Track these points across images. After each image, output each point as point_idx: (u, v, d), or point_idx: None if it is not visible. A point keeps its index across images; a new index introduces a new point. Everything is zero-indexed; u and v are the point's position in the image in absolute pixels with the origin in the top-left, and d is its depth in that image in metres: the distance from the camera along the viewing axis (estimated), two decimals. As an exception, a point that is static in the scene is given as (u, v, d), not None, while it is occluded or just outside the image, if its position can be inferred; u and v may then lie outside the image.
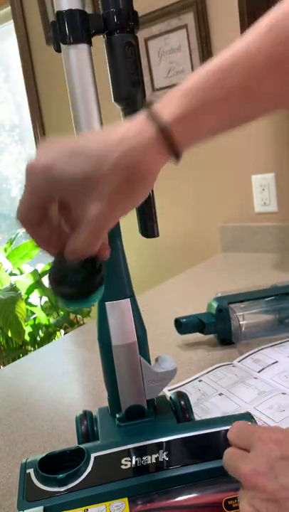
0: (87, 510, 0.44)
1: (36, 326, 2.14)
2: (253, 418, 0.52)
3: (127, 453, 0.48)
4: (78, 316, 2.08)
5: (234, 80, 0.34)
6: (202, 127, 0.35)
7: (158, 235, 0.51)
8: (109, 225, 0.35)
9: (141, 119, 0.34)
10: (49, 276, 0.39)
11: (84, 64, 0.46)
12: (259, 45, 0.34)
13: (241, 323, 0.84)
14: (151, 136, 0.33)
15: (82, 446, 0.50)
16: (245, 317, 0.85)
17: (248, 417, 0.52)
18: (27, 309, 2.03)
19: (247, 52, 0.34)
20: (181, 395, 0.57)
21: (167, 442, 0.49)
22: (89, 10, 1.73)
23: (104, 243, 0.40)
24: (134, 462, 0.47)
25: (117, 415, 0.54)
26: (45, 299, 2.15)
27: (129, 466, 0.47)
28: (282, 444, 0.33)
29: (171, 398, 0.58)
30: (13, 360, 1.71)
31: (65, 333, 2.00)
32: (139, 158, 0.33)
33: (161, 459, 0.47)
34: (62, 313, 2.07)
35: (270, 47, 0.33)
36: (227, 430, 0.50)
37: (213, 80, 0.34)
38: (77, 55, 0.46)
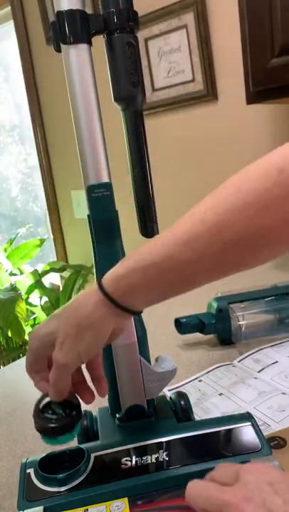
0: (87, 510, 0.44)
1: (36, 326, 2.14)
2: (253, 418, 0.52)
3: (127, 453, 0.49)
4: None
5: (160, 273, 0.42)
6: (135, 284, 0.42)
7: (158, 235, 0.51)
8: (69, 368, 0.43)
9: (92, 289, 0.44)
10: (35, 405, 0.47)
11: (84, 64, 0.46)
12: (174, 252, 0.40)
13: (241, 323, 0.84)
14: (95, 297, 0.43)
15: (82, 446, 0.50)
16: (245, 317, 0.85)
17: (247, 417, 0.52)
18: (27, 309, 2.03)
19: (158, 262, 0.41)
20: (181, 395, 0.57)
21: (167, 442, 0.49)
22: (89, 10, 1.73)
23: (87, 388, 0.48)
24: (134, 462, 0.47)
25: (117, 415, 0.54)
26: (45, 299, 2.15)
27: (129, 466, 0.47)
28: (268, 474, 0.34)
29: (171, 398, 0.58)
30: (13, 360, 1.71)
31: (65, 333, 2.00)
32: (84, 312, 0.42)
33: (161, 459, 0.47)
34: (62, 313, 2.07)
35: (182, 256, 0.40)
36: (227, 430, 0.50)
37: (147, 254, 0.42)
38: (77, 55, 0.46)
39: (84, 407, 0.47)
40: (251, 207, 0.38)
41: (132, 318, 0.51)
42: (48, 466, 0.48)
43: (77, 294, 0.46)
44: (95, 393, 0.48)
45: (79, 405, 0.46)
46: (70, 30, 0.46)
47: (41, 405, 0.46)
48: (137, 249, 0.43)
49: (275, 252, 0.41)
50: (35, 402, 0.47)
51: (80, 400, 0.48)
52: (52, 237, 2.21)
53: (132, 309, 0.43)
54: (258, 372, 0.74)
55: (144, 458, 0.48)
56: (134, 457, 0.48)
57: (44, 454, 0.50)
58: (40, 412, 0.46)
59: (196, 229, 0.40)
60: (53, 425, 0.44)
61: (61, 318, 0.44)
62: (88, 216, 0.49)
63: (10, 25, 2.10)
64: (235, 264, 0.42)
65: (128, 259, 0.43)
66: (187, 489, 0.36)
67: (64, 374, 0.43)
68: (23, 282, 2.16)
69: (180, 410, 0.55)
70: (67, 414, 0.45)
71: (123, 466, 0.47)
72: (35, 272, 2.13)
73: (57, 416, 0.45)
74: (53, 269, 2.09)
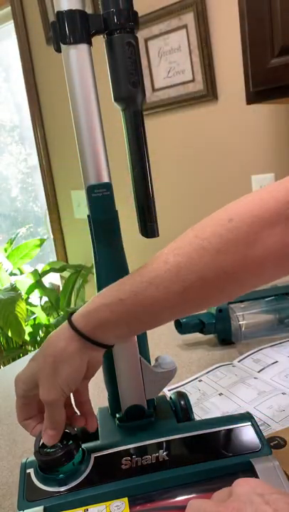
0: (87, 510, 0.44)
1: (36, 326, 2.14)
2: (253, 418, 0.52)
3: (127, 453, 0.48)
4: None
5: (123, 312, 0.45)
6: (102, 318, 0.45)
7: (158, 235, 0.51)
8: (57, 404, 0.46)
9: (63, 325, 0.47)
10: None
11: (84, 64, 0.46)
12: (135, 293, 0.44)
13: (241, 323, 0.84)
14: (67, 332, 0.46)
15: (82, 446, 0.50)
16: (245, 317, 0.85)
17: (247, 417, 0.52)
18: (27, 309, 2.03)
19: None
20: (181, 395, 0.57)
21: (167, 442, 0.49)
22: (89, 10, 1.72)
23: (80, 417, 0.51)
24: (134, 462, 0.47)
25: (117, 415, 0.54)
26: (45, 299, 2.15)
27: (129, 466, 0.47)
28: (259, 487, 0.35)
29: (171, 398, 0.58)
30: (13, 360, 1.71)
31: (65, 333, 2.00)
32: (58, 348, 0.45)
33: (161, 459, 0.47)
34: (62, 313, 2.07)
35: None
36: (227, 430, 0.50)
37: (114, 291, 0.45)
38: (77, 55, 0.46)
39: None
40: (207, 250, 0.43)
41: None
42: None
43: (49, 335, 0.49)
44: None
45: (76, 434, 0.48)
46: (70, 30, 0.45)
47: (40, 442, 0.48)
48: (108, 287, 0.46)
49: (239, 289, 0.46)
50: (34, 441, 0.49)
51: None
52: (52, 237, 2.21)
53: (102, 343, 0.46)
54: (258, 372, 0.74)
55: (144, 458, 0.48)
56: (134, 457, 0.48)
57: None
58: (40, 449, 0.48)
59: (159, 268, 0.44)
60: (51, 458, 0.46)
61: (39, 359, 0.47)
62: (88, 216, 0.49)
63: (10, 25, 2.10)
64: (199, 302, 0.46)
65: (98, 296, 0.46)
66: (186, 508, 0.37)
67: (55, 410, 0.46)
68: (23, 282, 2.16)
69: (180, 410, 0.55)
70: (65, 445, 0.47)
71: (123, 466, 0.47)
72: (35, 272, 2.13)
73: (55, 449, 0.47)
74: (53, 269, 2.09)
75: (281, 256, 0.43)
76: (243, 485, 0.35)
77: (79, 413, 0.51)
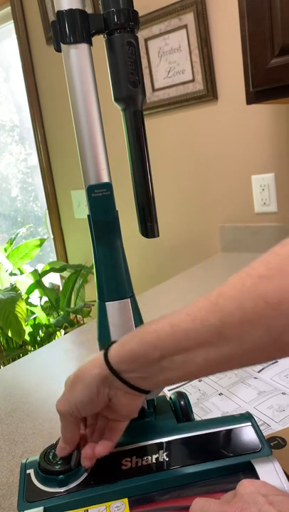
0: (88, 510, 0.43)
1: (36, 326, 2.14)
2: (253, 418, 0.52)
3: (127, 453, 0.48)
4: (78, 316, 2.08)
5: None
6: (133, 349, 0.42)
7: (158, 235, 0.51)
8: (65, 417, 0.45)
9: (99, 356, 0.45)
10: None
11: (84, 64, 0.46)
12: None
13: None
14: (96, 357, 0.44)
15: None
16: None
17: (248, 417, 0.52)
18: (27, 309, 2.03)
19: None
20: (181, 395, 0.57)
21: (167, 442, 0.49)
22: (89, 10, 1.72)
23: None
24: (134, 462, 0.47)
25: (117, 415, 0.54)
26: (45, 299, 2.15)
27: (129, 466, 0.47)
28: (263, 487, 0.35)
29: (171, 398, 0.58)
30: (13, 360, 1.71)
31: (65, 333, 2.00)
32: (84, 367, 0.45)
33: (161, 459, 0.47)
34: (62, 313, 2.07)
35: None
36: (227, 430, 0.50)
37: (150, 323, 0.42)
38: (77, 55, 0.46)
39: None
40: (250, 276, 0.37)
41: (132, 319, 0.50)
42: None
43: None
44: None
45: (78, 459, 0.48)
46: (70, 30, 0.45)
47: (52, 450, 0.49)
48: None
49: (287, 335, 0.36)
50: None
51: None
52: (52, 237, 2.21)
53: (128, 381, 0.42)
54: (258, 372, 0.74)
55: (144, 458, 0.48)
56: (134, 457, 0.48)
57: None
58: (46, 454, 0.49)
59: (201, 300, 0.39)
60: (50, 469, 0.47)
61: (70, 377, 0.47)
62: (88, 216, 0.49)
63: (10, 25, 2.10)
64: (239, 340, 0.37)
65: (138, 328, 0.44)
66: (191, 506, 0.37)
67: (65, 424, 0.46)
68: (23, 282, 2.16)
69: (180, 410, 0.55)
70: (68, 461, 0.47)
71: (123, 466, 0.47)
72: (35, 272, 2.13)
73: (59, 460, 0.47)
74: (53, 269, 2.09)
75: None
76: (247, 486, 0.35)
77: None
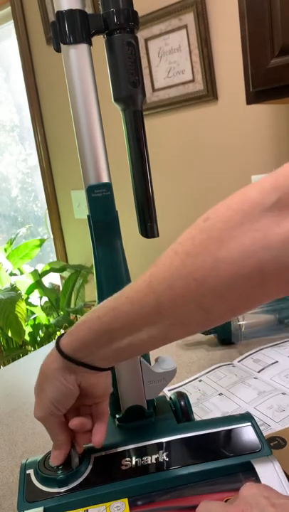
0: (87, 510, 0.43)
1: (36, 326, 2.14)
2: (253, 418, 0.52)
3: (127, 453, 0.48)
4: (78, 316, 2.08)
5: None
6: (82, 337, 0.43)
7: (158, 236, 0.51)
8: (46, 421, 0.46)
9: (53, 350, 0.46)
10: None
11: (84, 64, 0.46)
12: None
13: (241, 323, 0.84)
14: (53, 352, 0.46)
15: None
16: (245, 317, 0.85)
17: (247, 417, 0.52)
18: (27, 309, 2.03)
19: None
20: (181, 395, 0.57)
21: (167, 443, 0.49)
22: (89, 10, 1.72)
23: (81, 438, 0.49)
24: (134, 463, 0.47)
25: (117, 415, 0.54)
26: (45, 299, 2.15)
27: (129, 466, 0.47)
28: (266, 490, 0.35)
29: (171, 398, 0.58)
30: (13, 360, 1.71)
31: (65, 333, 2.00)
32: (46, 366, 0.46)
33: (161, 460, 0.47)
34: (62, 313, 2.07)
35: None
36: (227, 430, 0.50)
37: (94, 310, 0.43)
38: (77, 55, 0.46)
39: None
40: (178, 255, 0.38)
41: None
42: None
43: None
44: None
45: (83, 458, 0.48)
46: (70, 30, 0.45)
47: (48, 454, 0.49)
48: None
49: (222, 305, 0.36)
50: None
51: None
52: (52, 237, 2.21)
53: (88, 364, 0.43)
54: (258, 372, 0.74)
55: (144, 458, 0.48)
56: (134, 458, 0.48)
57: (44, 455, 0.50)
58: (46, 460, 0.49)
59: (137, 282, 0.41)
60: (50, 476, 0.47)
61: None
62: (88, 216, 0.49)
63: (10, 25, 2.10)
64: (178, 319, 0.39)
65: (83, 316, 0.45)
66: (198, 507, 0.37)
67: (49, 429, 0.47)
68: (23, 282, 2.16)
69: (180, 410, 0.55)
70: (68, 465, 0.47)
71: (123, 466, 0.47)
72: (35, 272, 2.13)
73: (59, 467, 0.47)
74: (53, 269, 2.09)
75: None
76: (250, 488, 0.35)
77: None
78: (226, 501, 0.42)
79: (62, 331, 2.07)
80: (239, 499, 0.35)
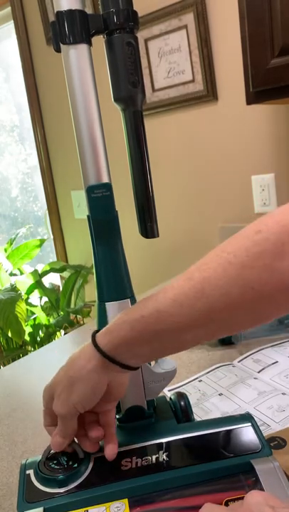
0: (88, 511, 0.43)
1: (36, 326, 2.14)
2: (253, 418, 0.52)
3: (127, 454, 0.48)
4: (78, 317, 2.08)
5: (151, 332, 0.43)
6: (123, 336, 0.43)
7: (158, 236, 0.51)
8: (67, 418, 0.46)
9: (87, 345, 0.46)
10: None
11: (84, 64, 0.46)
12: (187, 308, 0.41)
13: (241, 323, 0.84)
14: (86, 348, 0.46)
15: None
16: (245, 317, 0.85)
17: (247, 417, 0.52)
18: (27, 309, 2.03)
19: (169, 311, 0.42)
20: (181, 396, 0.57)
21: (167, 443, 0.49)
22: (89, 10, 1.72)
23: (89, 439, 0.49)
24: (134, 463, 0.47)
25: (117, 416, 0.54)
26: (45, 299, 2.15)
27: (129, 467, 0.47)
28: (270, 499, 0.35)
29: (171, 399, 0.58)
30: (13, 360, 1.71)
31: (65, 334, 2.00)
32: (77, 365, 0.45)
33: (161, 460, 0.47)
34: (62, 313, 2.07)
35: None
36: (227, 431, 0.50)
37: (137, 309, 0.44)
38: (77, 55, 0.46)
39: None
40: (232, 265, 0.40)
41: None
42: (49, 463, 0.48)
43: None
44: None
45: (82, 458, 0.48)
46: (69, 30, 0.45)
47: (49, 453, 0.49)
48: (134, 304, 0.46)
49: (274, 310, 0.41)
50: (45, 449, 0.49)
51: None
52: (52, 237, 2.21)
53: (124, 363, 0.44)
54: (258, 372, 0.74)
55: (144, 459, 0.47)
56: (134, 458, 0.48)
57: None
58: (47, 460, 0.48)
59: (184, 285, 0.42)
60: (51, 476, 0.46)
61: (60, 372, 0.47)
62: (88, 216, 0.49)
63: (10, 25, 2.10)
64: (227, 323, 0.42)
65: (121, 314, 0.45)
66: (200, 510, 0.37)
67: (67, 423, 0.46)
68: (24, 282, 2.16)
69: (180, 411, 0.55)
70: (69, 467, 0.47)
71: (123, 467, 0.47)
72: (35, 272, 2.13)
73: (59, 467, 0.47)
74: (53, 270, 2.09)
75: None
76: (255, 496, 0.35)
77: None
78: (226, 502, 0.42)
79: (62, 331, 2.07)
80: (243, 507, 0.35)
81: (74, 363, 0.46)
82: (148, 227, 0.50)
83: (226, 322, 0.42)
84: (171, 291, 0.42)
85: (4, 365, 1.76)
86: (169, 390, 0.72)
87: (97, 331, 0.46)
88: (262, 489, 0.43)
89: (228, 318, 0.41)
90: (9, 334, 1.92)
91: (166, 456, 0.48)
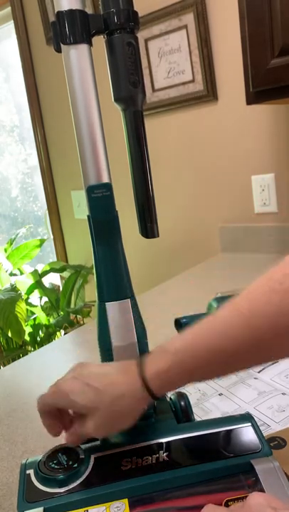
0: (88, 511, 0.43)
1: (36, 326, 2.14)
2: (253, 418, 0.52)
3: (127, 454, 0.48)
4: (78, 317, 2.08)
5: (204, 358, 0.43)
6: (174, 379, 0.44)
7: (158, 236, 0.51)
8: (92, 436, 0.46)
9: (131, 370, 0.45)
10: None
11: (84, 64, 0.46)
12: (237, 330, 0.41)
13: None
14: (135, 387, 0.44)
15: (82, 446, 0.50)
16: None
17: (247, 417, 0.52)
18: (27, 309, 2.03)
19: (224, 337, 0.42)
20: (181, 396, 0.57)
21: (167, 443, 0.49)
22: (89, 10, 1.72)
23: None
24: (134, 463, 0.47)
25: (117, 416, 0.54)
26: (45, 299, 2.15)
27: (129, 466, 0.47)
28: (272, 501, 0.35)
29: (171, 399, 0.58)
30: (13, 360, 1.71)
31: (65, 334, 2.00)
32: (126, 404, 0.45)
33: (161, 460, 0.47)
34: (62, 313, 2.07)
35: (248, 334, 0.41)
36: (227, 431, 0.50)
37: (187, 348, 0.43)
38: (77, 55, 0.46)
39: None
40: (277, 292, 0.39)
41: (133, 319, 0.51)
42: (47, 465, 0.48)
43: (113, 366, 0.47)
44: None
45: (82, 458, 0.48)
46: (70, 30, 0.45)
47: (48, 454, 0.49)
48: (181, 335, 0.45)
49: None
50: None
51: None
52: (52, 237, 2.21)
53: (159, 394, 0.45)
54: (258, 372, 0.74)
55: (144, 459, 0.48)
56: (134, 458, 0.48)
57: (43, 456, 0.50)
58: (47, 459, 0.49)
59: (231, 315, 0.42)
60: (51, 476, 0.47)
61: (102, 397, 0.44)
62: (88, 216, 0.49)
63: (10, 25, 2.10)
64: (276, 352, 0.42)
65: (170, 346, 0.44)
66: (201, 511, 0.38)
67: (83, 439, 0.48)
68: (24, 282, 2.16)
69: (180, 411, 0.55)
70: (69, 467, 0.47)
71: (123, 466, 0.47)
72: (35, 272, 2.13)
73: (59, 467, 0.47)
74: (53, 270, 2.09)
75: None
76: (257, 497, 0.36)
77: None
78: (226, 502, 0.42)
79: (62, 332, 2.07)
80: (245, 508, 0.35)
81: (121, 399, 0.44)
82: (148, 227, 0.50)
83: (275, 351, 0.42)
84: (220, 324, 0.42)
85: (4, 365, 1.76)
86: (169, 390, 0.72)
87: (141, 362, 0.45)
88: (262, 489, 0.43)
89: (277, 346, 0.41)
90: (9, 334, 1.92)
91: (166, 456, 0.48)
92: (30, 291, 2.13)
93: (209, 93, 1.46)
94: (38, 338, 2.12)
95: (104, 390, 0.45)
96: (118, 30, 0.47)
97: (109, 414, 0.45)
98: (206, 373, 0.44)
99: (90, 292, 2.10)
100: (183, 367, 0.43)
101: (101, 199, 0.48)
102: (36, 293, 2.16)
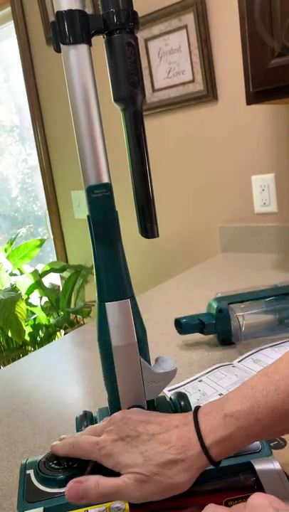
0: (88, 511, 0.43)
1: (36, 326, 2.14)
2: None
3: (127, 453, 0.48)
4: (78, 317, 2.08)
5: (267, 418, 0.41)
6: (237, 445, 0.42)
7: (158, 236, 0.51)
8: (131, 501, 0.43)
9: (190, 436, 0.43)
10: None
11: (84, 64, 0.46)
12: None
13: (241, 323, 0.84)
14: (200, 462, 0.42)
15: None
16: (245, 317, 0.85)
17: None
18: (27, 309, 2.03)
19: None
20: (181, 396, 0.57)
21: (167, 443, 0.49)
22: (89, 10, 1.72)
23: None
24: (134, 463, 0.47)
25: (117, 416, 0.54)
26: (45, 299, 2.15)
27: (129, 466, 0.47)
28: (275, 502, 0.35)
29: (171, 399, 0.58)
30: (13, 360, 1.71)
31: (65, 334, 2.00)
32: (180, 480, 0.41)
33: (161, 460, 0.47)
34: (62, 313, 2.07)
35: None
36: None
37: (250, 411, 0.42)
38: (77, 55, 0.46)
39: (84, 407, 0.47)
40: None
41: (132, 319, 0.51)
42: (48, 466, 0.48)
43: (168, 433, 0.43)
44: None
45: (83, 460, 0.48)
46: (69, 30, 0.45)
47: (48, 454, 0.49)
48: (239, 395, 0.43)
49: None
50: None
51: None
52: (52, 237, 2.21)
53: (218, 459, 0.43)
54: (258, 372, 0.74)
55: (144, 458, 0.47)
56: (134, 458, 0.48)
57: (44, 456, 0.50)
58: (47, 460, 0.48)
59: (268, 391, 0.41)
60: (51, 476, 0.46)
61: (150, 465, 0.42)
62: (88, 217, 0.49)
63: (10, 25, 2.10)
64: None
65: (230, 409, 0.42)
66: (202, 511, 0.37)
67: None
68: (24, 282, 2.16)
69: (180, 411, 0.55)
70: (70, 467, 0.47)
71: (123, 466, 0.47)
72: (35, 272, 2.13)
73: (59, 467, 0.47)
74: (53, 270, 2.09)
75: None
76: (260, 498, 0.35)
77: None
78: (226, 502, 0.42)
79: (62, 332, 2.07)
80: (247, 509, 0.35)
81: (181, 463, 0.42)
82: (148, 227, 0.50)
83: None
84: (283, 382, 0.41)
85: (4, 365, 1.76)
86: (169, 390, 0.72)
87: (198, 429, 0.43)
88: (262, 489, 0.43)
89: None
90: (9, 334, 1.92)
91: (166, 456, 0.48)
92: (30, 291, 2.13)
93: (209, 93, 1.46)
94: (38, 338, 2.12)
95: (163, 472, 0.42)
96: (118, 31, 0.47)
97: (160, 487, 0.41)
98: (268, 433, 0.43)
99: (90, 292, 2.10)
100: (250, 435, 0.42)
101: (101, 199, 0.48)
102: (36, 293, 2.16)
